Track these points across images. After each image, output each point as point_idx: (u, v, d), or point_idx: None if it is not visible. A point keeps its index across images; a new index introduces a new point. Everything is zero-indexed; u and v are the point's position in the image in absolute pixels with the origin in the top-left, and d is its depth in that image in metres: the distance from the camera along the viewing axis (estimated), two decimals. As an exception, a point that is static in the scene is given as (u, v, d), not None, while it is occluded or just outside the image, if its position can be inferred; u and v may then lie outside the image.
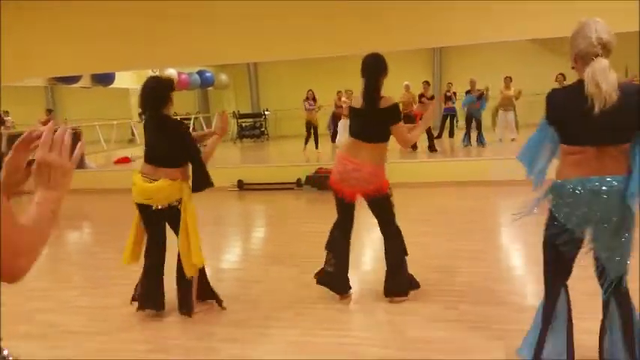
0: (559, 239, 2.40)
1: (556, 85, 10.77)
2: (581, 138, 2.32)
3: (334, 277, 3.78)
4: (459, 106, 12.67)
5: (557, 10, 6.82)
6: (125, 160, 12.60)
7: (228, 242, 6.07)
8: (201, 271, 3.70)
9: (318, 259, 3.91)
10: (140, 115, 3.78)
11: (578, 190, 2.30)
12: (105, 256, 5.31)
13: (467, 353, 2.95)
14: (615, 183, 2.26)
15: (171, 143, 3.51)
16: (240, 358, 3.06)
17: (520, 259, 4.69)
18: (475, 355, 2.92)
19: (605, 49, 2.24)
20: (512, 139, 11.54)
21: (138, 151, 13.51)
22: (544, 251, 2.52)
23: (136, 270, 3.74)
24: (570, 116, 2.33)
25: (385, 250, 3.71)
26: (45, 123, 13.70)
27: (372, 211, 3.69)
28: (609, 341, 2.47)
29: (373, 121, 3.50)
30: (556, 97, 2.42)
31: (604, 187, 2.26)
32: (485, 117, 11.96)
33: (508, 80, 11.77)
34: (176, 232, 3.58)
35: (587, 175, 2.29)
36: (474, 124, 11.75)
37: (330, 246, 3.82)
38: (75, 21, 8.59)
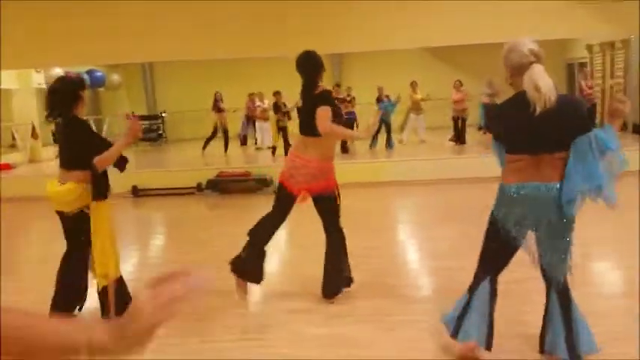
0: (496, 237, 2.60)
1: (454, 91, 11.59)
2: (520, 147, 2.52)
3: (249, 264, 3.71)
4: (358, 110, 13.08)
5: (443, 21, 7.35)
6: (5, 167, 11.56)
7: (124, 252, 5.79)
8: (120, 283, 3.51)
9: (220, 264, 3.88)
10: (47, 117, 3.50)
11: (515, 194, 2.51)
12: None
13: (360, 347, 3.09)
14: (549, 189, 2.47)
15: (79, 145, 3.33)
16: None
17: (413, 255, 4.99)
18: (369, 347, 3.08)
19: (537, 57, 2.45)
20: (422, 141, 12.15)
21: (20, 157, 12.50)
22: (483, 245, 2.70)
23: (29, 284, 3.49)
24: (510, 127, 2.52)
25: (326, 250, 3.73)
26: None
27: (317, 210, 3.71)
28: (551, 335, 2.66)
29: (311, 114, 3.54)
30: (493, 111, 2.67)
31: (538, 193, 2.47)
32: (397, 121, 12.56)
33: (415, 85, 12.36)
34: (85, 241, 3.36)
35: (524, 181, 2.50)
36: (383, 128, 12.20)
37: (253, 234, 3.74)
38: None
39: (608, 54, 13.45)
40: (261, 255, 3.76)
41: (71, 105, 3.33)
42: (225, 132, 12.41)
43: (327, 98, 3.63)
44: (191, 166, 10.09)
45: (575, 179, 2.44)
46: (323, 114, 3.49)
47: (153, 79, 18.49)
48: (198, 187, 8.39)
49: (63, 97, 3.34)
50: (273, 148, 11.16)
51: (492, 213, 2.65)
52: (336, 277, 3.72)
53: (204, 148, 12.30)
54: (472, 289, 2.69)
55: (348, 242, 3.77)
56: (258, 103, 12.52)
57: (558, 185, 2.47)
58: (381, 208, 7.09)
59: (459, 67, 14.71)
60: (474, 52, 11.47)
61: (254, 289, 3.92)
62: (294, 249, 4.48)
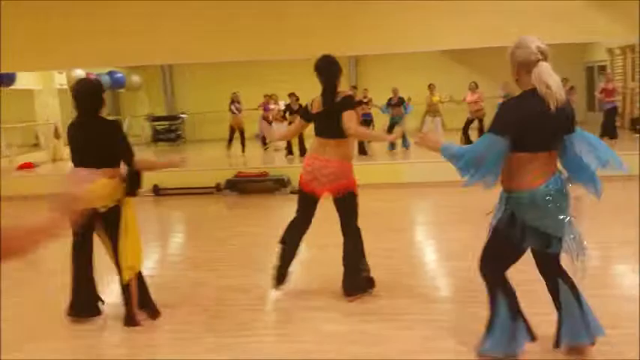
0: (509, 242, 2.59)
1: (469, 93, 11.58)
2: (538, 145, 2.52)
3: (277, 268, 3.85)
4: (375, 112, 13.12)
5: (461, 25, 7.36)
6: (28, 166, 11.82)
7: (145, 249, 5.91)
8: (140, 278, 3.64)
9: (237, 263, 3.96)
10: (82, 117, 3.63)
11: (549, 196, 2.51)
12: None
13: (380, 344, 3.13)
14: (561, 181, 2.57)
15: (110, 143, 3.46)
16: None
17: (431, 255, 5.02)
18: (388, 344, 3.12)
19: (544, 55, 2.47)
20: None
21: (42, 156, 12.76)
22: (498, 251, 2.67)
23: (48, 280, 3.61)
24: (526, 124, 2.48)
25: (344, 249, 3.80)
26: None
27: (337, 209, 3.78)
28: (569, 324, 2.69)
29: (334, 117, 3.64)
30: (509, 109, 2.60)
31: (559, 186, 2.55)
32: (413, 123, 12.57)
33: (432, 87, 12.38)
34: (112, 235, 3.48)
35: (548, 179, 2.53)
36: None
37: (283, 240, 3.87)
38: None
39: (629, 57, 13.30)
40: (288, 259, 3.86)
41: (99, 106, 3.48)
42: (242, 133, 12.56)
43: (351, 102, 3.74)
44: (210, 167, 10.23)
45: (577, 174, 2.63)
46: (351, 117, 3.62)
47: (172, 81, 18.72)
48: (217, 187, 8.51)
49: (92, 98, 3.48)
50: (288, 149, 11.26)
51: (513, 217, 2.56)
52: (354, 275, 3.77)
53: (228, 148, 12.53)
54: (510, 301, 2.70)
55: (367, 243, 3.82)
56: (272, 105, 12.66)
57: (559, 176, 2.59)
58: (399, 209, 7.11)
59: (476, 68, 14.68)
60: (491, 54, 11.38)
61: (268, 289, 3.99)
62: (313, 249, 4.54)
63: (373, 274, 3.88)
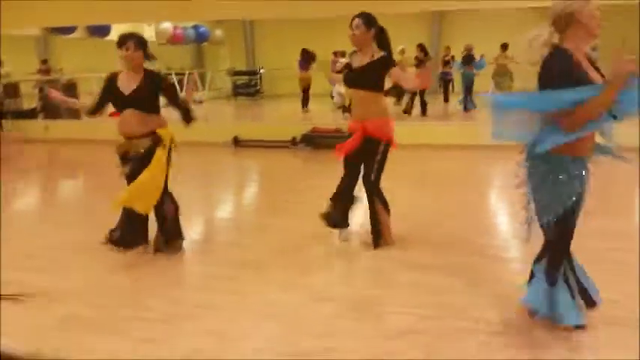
0: (577, 205, 2.55)
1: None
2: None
3: (334, 214, 4.04)
4: (456, 70, 12.78)
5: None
6: (116, 115, 12.61)
7: (222, 195, 6.28)
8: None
9: (314, 211, 4.13)
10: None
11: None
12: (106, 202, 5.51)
13: (451, 294, 3.22)
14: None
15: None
16: (241, 293, 3.31)
17: (503, 217, 4.96)
18: (453, 295, 3.20)
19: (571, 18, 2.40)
20: None
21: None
22: (565, 221, 2.57)
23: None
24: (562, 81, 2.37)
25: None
26: (43, 72, 13.60)
27: (363, 155, 3.90)
28: (588, 285, 2.79)
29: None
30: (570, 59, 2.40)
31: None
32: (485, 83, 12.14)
33: (504, 47, 11.86)
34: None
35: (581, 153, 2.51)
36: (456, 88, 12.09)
37: (335, 196, 4.06)
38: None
39: None
40: (345, 205, 4.07)
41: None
42: (305, 90, 12.63)
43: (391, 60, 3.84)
44: (286, 121, 10.46)
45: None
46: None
47: (253, 36, 19.00)
48: (293, 141, 8.72)
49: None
50: (344, 107, 11.24)
51: (573, 184, 2.49)
52: (376, 229, 3.97)
53: (304, 106, 12.68)
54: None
55: (438, 202, 3.86)
56: (340, 60, 12.51)
57: None
58: (474, 171, 7.01)
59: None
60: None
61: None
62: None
63: (443, 230, 3.91)
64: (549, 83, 2.38)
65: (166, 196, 3.86)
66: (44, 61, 14.09)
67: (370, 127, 3.79)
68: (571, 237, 2.66)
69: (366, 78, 3.78)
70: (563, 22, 2.42)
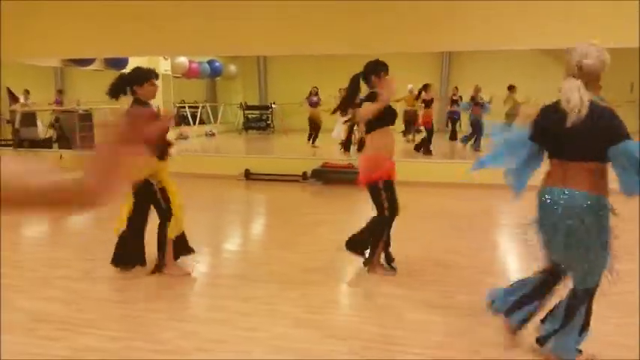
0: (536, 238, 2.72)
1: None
2: (553, 151, 2.60)
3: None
4: (463, 111, 12.94)
5: (569, 22, 7.05)
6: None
7: (232, 227, 6.33)
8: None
9: (321, 247, 4.17)
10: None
11: (544, 198, 2.62)
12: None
13: (458, 335, 3.21)
14: (569, 196, 2.50)
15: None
16: (253, 328, 3.32)
17: (512, 256, 4.96)
18: (466, 336, 3.19)
19: (582, 71, 2.46)
20: None
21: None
22: None
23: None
24: (550, 129, 2.58)
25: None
26: (58, 103, 13.89)
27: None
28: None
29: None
30: (542, 114, 2.66)
31: (555, 199, 2.55)
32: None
33: (512, 89, 11.99)
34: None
35: (550, 186, 2.59)
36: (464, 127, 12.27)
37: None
38: (92, 3, 8.81)
39: None
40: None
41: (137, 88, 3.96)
42: (314, 125, 12.83)
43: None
44: (298, 155, 10.59)
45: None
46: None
47: (266, 72, 19.39)
48: (304, 176, 8.81)
49: (133, 81, 3.98)
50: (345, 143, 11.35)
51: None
52: (362, 239, 4.11)
53: (312, 142, 12.86)
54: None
55: (447, 241, 3.88)
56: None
57: (581, 195, 2.47)
58: (484, 209, 7.03)
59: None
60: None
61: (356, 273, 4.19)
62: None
63: (455, 270, 3.93)
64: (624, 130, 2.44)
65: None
66: (60, 92, 14.41)
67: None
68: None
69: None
70: (594, 76, 2.50)
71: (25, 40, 9.25)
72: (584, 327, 2.67)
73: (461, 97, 13.09)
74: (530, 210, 2.79)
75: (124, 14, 8.77)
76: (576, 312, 2.65)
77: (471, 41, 7.82)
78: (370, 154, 4.05)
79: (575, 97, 2.40)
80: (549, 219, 2.59)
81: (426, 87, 12.04)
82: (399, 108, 11.95)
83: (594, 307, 2.71)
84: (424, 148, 11.30)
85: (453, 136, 13.45)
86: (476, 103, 11.94)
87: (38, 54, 10.13)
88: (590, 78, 2.47)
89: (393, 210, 4.04)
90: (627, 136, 2.40)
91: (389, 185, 4.03)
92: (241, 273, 4.44)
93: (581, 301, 2.65)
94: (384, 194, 3.99)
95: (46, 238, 5.90)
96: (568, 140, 2.50)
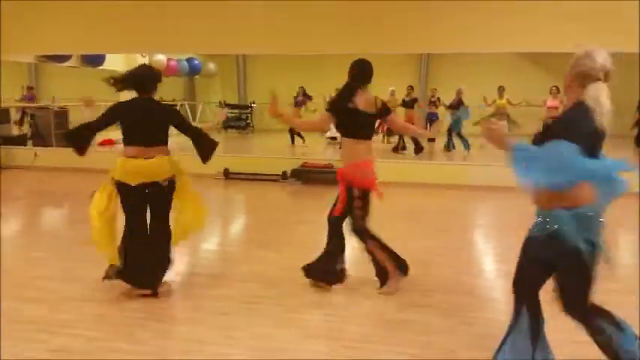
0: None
1: (550, 98, 11.25)
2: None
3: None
4: (441, 111, 13.08)
5: (547, 26, 7.19)
6: (109, 142, 12.65)
7: (211, 227, 6.29)
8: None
9: (301, 246, 4.18)
10: (118, 89, 3.96)
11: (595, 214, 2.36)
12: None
13: (436, 334, 3.26)
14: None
15: (165, 122, 3.77)
16: (230, 328, 3.32)
17: (489, 256, 5.05)
18: (443, 335, 3.24)
19: (607, 76, 2.39)
20: None
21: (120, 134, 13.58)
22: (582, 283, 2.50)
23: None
24: (584, 138, 2.30)
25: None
26: (28, 99, 13.61)
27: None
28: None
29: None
30: (575, 119, 2.38)
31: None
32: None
33: (501, 90, 12.20)
34: (159, 209, 3.79)
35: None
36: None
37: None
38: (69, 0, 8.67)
39: None
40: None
41: (152, 89, 3.82)
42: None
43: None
44: (277, 155, 10.59)
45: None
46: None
47: (245, 70, 19.31)
48: (283, 175, 8.81)
49: (150, 80, 3.80)
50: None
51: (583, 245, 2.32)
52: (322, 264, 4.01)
53: (292, 142, 12.91)
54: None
55: (426, 241, 3.91)
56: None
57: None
58: (460, 209, 7.13)
59: (553, 72, 14.14)
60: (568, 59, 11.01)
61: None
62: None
63: (433, 270, 3.98)
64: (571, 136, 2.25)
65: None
66: (30, 88, 14.09)
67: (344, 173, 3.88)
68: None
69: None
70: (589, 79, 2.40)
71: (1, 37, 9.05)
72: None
73: (439, 98, 13.23)
74: (504, 211, 2.82)
75: (101, 11, 8.64)
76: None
77: (446, 44, 7.91)
78: (368, 160, 3.85)
79: (608, 105, 2.33)
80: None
81: (410, 88, 12.35)
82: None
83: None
84: (400, 146, 11.58)
85: (432, 138, 13.59)
86: (455, 105, 12.13)
87: (14, 50, 9.90)
88: (607, 81, 2.41)
89: (357, 223, 3.85)
90: None
91: (365, 196, 3.85)
92: (220, 272, 4.42)
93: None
94: (358, 203, 3.82)
95: (23, 238, 5.78)
96: (600, 144, 2.40)
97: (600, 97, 2.33)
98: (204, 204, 4.03)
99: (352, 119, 3.79)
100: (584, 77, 2.38)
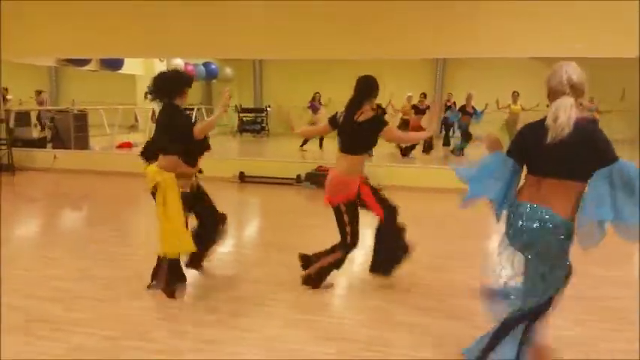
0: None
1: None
2: (531, 167, 2.59)
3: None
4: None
5: (562, 30, 7.14)
6: (127, 145, 12.83)
7: (230, 229, 6.31)
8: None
9: (315, 249, 4.20)
10: (151, 99, 3.98)
11: (513, 212, 2.61)
12: (111, 234, 5.59)
13: (447, 337, 3.26)
14: (545, 215, 2.46)
15: (174, 131, 3.78)
16: (243, 329, 3.35)
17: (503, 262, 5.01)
18: (453, 338, 3.23)
19: (574, 89, 2.46)
20: None
21: (140, 137, 13.75)
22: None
23: (139, 246, 4.02)
24: (530, 146, 2.55)
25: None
26: (38, 103, 13.86)
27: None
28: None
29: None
30: (527, 130, 2.63)
31: (529, 213, 2.51)
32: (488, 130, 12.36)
33: (515, 95, 12.13)
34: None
35: (524, 200, 2.56)
36: (457, 133, 12.78)
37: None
38: (89, 3, 8.83)
39: None
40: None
41: (176, 95, 3.80)
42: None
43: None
44: (292, 159, 10.64)
45: (585, 208, 2.41)
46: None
47: (262, 75, 19.43)
48: (298, 179, 8.85)
49: (173, 85, 3.80)
50: None
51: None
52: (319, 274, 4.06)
53: (302, 145, 12.94)
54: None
55: (441, 246, 3.91)
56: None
57: (557, 215, 2.44)
58: (473, 215, 7.07)
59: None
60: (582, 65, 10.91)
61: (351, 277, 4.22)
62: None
63: (442, 273, 3.97)
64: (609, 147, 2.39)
65: None
66: (39, 92, 14.32)
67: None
68: None
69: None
70: (581, 92, 2.50)
71: (22, 39, 9.27)
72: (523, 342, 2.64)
73: (454, 102, 13.20)
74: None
75: (120, 15, 8.81)
76: (508, 331, 2.66)
77: (461, 48, 7.90)
78: (343, 175, 3.91)
79: (564, 116, 2.38)
80: (518, 234, 2.58)
81: (423, 96, 12.36)
82: (397, 117, 12.16)
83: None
84: (405, 149, 11.66)
85: (447, 142, 13.57)
86: (465, 112, 12.14)
87: (35, 53, 10.13)
88: (578, 95, 2.47)
89: (355, 237, 3.91)
90: (616, 157, 2.38)
91: (352, 206, 3.90)
92: (234, 274, 4.46)
93: (516, 321, 2.64)
94: (347, 217, 3.89)
95: (39, 237, 5.89)
96: (548, 158, 2.48)
97: (558, 112, 2.42)
98: (182, 230, 3.75)
99: (348, 134, 3.90)
100: (553, 93, 2.51)
